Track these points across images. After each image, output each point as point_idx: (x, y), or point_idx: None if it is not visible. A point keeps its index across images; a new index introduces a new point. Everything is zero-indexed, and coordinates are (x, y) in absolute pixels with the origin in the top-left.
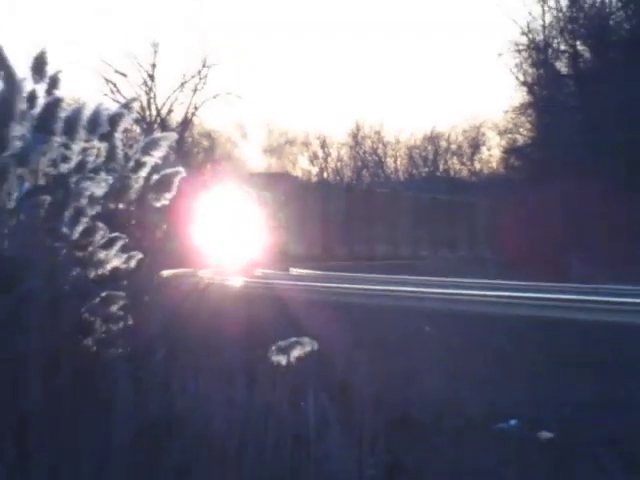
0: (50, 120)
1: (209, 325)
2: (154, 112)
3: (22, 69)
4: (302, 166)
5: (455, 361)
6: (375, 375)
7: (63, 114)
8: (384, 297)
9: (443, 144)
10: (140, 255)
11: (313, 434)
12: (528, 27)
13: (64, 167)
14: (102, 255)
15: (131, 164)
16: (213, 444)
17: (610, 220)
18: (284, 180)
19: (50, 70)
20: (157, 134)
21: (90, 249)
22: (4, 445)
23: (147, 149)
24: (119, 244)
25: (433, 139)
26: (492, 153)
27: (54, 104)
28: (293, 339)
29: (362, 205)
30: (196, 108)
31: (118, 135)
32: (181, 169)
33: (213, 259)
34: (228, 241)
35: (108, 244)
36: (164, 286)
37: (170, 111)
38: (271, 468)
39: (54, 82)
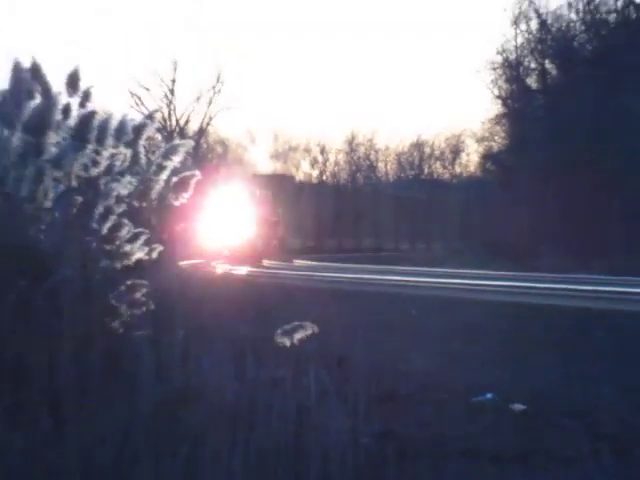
0: (85, 130)
1: (222, 309)
2: (174, 122)
3: (57, 84)
4: (304, 169)
5: (438, 341)
6: (368, 353)
7: (94, 124)
8: (376, 285)
9: (427, 150)
10: (161, 248)
11: (314, 405)
12: (502, 47)
13: (94, 171)
14: (127, 248)
15: (153, 167)
16: (225, 413)
17: (575, 216)
18: (282, 180)
19: (83, 85)
20: (176, 141)
21: (117, 243)
22: (41, 415)
23: (167, 154)
24: (142, 238)
25: (419, 146)
26: (470, 158)
27: (89, 116)
28: (296, 323)
29: (351, 203)
30: (210, 118)
31: (142, 142)
32: (197, 172)
33: (225, 251)
34: (238, 235)
35: (133, 238)
36: (182, 275)
37: (188, 121)
38: (277, 435)
39: (87, 96)
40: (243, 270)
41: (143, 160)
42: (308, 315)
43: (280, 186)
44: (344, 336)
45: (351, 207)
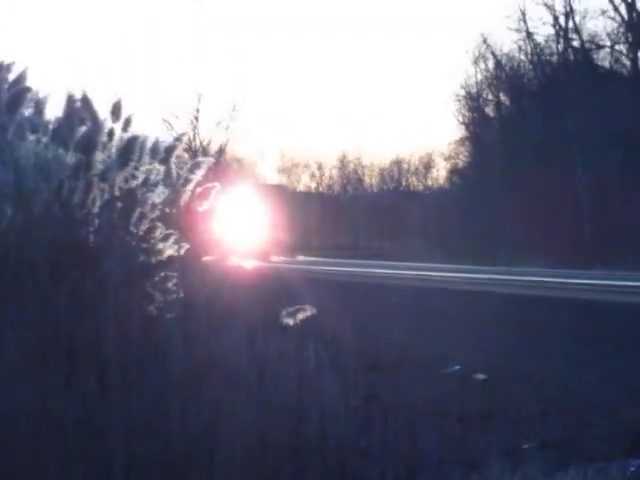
0: (128, 150)
1: (238, 295)
2: (198, 143)
3: (102, 110)
4: (304, 182)
5: (414, 322)
6: (357, 331)
7: (135, 145)
8: (363, 276)
9: (405, 166)
10: (188, 246)
11: (312, 373)
12: (465, 82)
13: (133, 183)
14: (160, 246)
15: (181, 180)
16: (240, 381)
17: (526, 219)
18: (279, 189)
19: (124, 112)
20: (199, 159)
21: (152, 242)
22: (90, 382)
23: (192, 169)
24: (173, 238)
25: (398, 163)
26: (440, 173)
27: (131, 140)
28: (298, 306)
29: (339, 209)
30: (228, 140)
31: (173, 160)
32: (217, 184)
33: (241, 248)
34: (251, 235)
35: (165, 238)
36: (206, 268)
37: (209, 142)
38: (283, 397)
39: (128, 122)
40: (256, 264)
41: (174, 174)
42: (309, 299)
43: (277, 194)
44: (337, 316)
45: (338, 213)
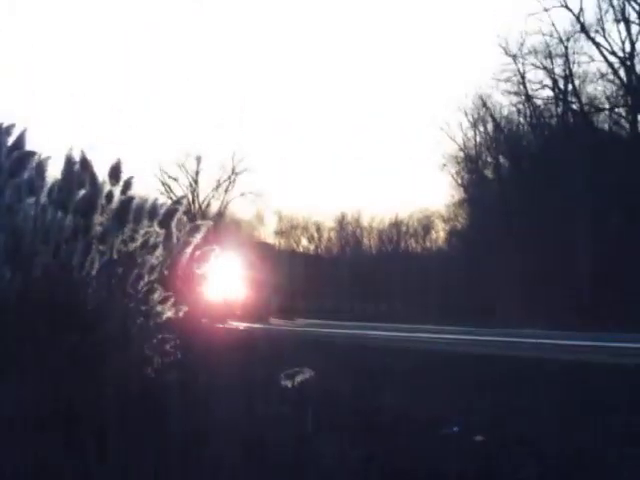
0: (124, 212)
1: (237, 357)
2: (197, 205)
3: (102, 174)
4: (303, 244)
5: (410, 383)
6: (355, 392)
7: (132, 207)
8: (361, 338)
9: (403, 228)
10: (186, 308)
11: (311, 434)
12: (464, 145)
13: (132, 245)
14: (159, 308)
15: (180, 243)
16: (240, 443)
17: (525, 281)
18: (265, 247)
19: (123, 175)
20: (198, 222)
21: (150, 304)
22: (89, 444)
23: (191, 232)
24: (171, 300)
25: (396, 225)
26: (439, 235)
27: (128, 201)
28: (297, 368)
29: (335, 271)
30: (227, 203)
31: (174, 223)
32: (215, 247)
33: (239, 310)
34: (249, 297)
35: (163, 300)
36: (204, 330)
37: (208, 205)
38: (281, 457)
39: (127, 185)
40: (255, 326)
41: (174, 237)
42: (307, 362)
43: (263, 252)
44: (336, 378)
45: (336, 275)
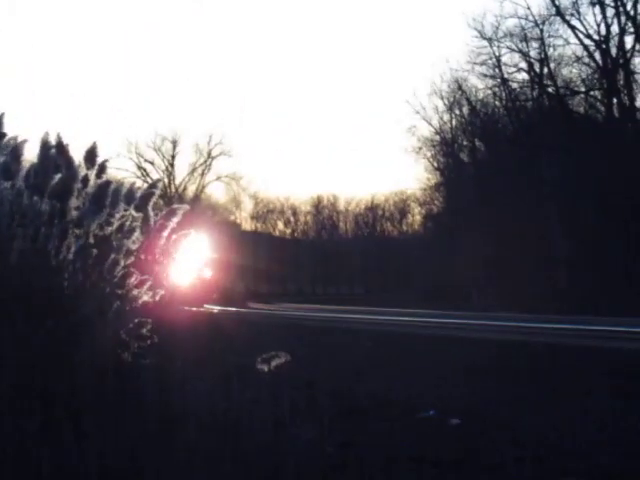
0: (101, 197)
1: (214, 340)
2: (173, 189)
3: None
4: (279, 228)
5: (389, 367)
6: (332, 376)
7: (109, 191)
8: (339, 322)
9: (380, 212)
10: (162, 292)
11: (288, 420)
12: (440, 128)
13: (108, 229)
14: (135, 292)
15: (156, 226)
16: (216, 428)
17: (500, 264)
18: (241, 231)
19: (99, 159)
20: (175, 206)
21: (126, 288)
22: (65, 428)
23: (168, 216)
24: (147, 284)
25: (373, 209)
26: (415, 219)
27: (105, 185)
28: (273, 352)
29: (312, 255)
30: (203, 187)
31: (149, 207)
32: (192, 231)
33: (216, 294)
34: (226, 281)
35: (139, 284)
36: (181, 314)
37: (185, 189)
38: (258, 440)
39: (103, 169)
40: (231, 309)
41: (151, 221)
42: (283, 345)
43: (239, 235)
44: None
45: (313, 258)
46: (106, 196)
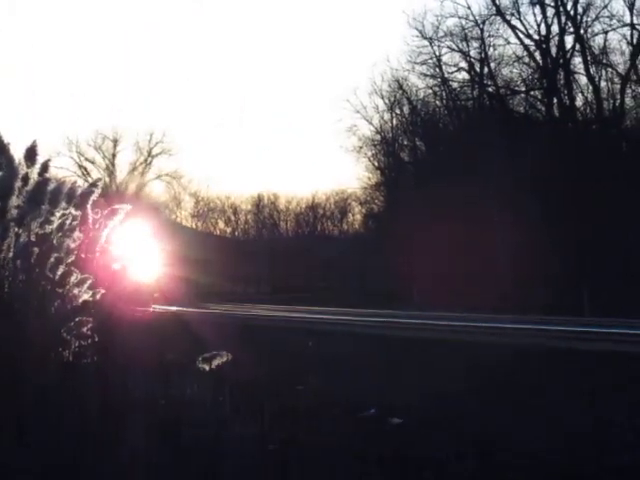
0: (40, 194)
1: (155, 340)
2: (114, 188)
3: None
4: (220, 227)
5: (330, 366)
6: (274, 375)
7: (48, 189)
8: (275, 321)
9: (320, 211)
10: (103, 291)
11: (229, 418)
12: (381, 128)
13: (48, 228)
14: (76, 291)
15: (97, 225)
16: (157, 426)
17: (440, 266)
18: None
19: (40, 158)
20: (115, 205)
21: (67, 287)
22: (8, 429)
23: (108, 215)
24: (88, 283)
25: (313, 208)
26: (355, 218)
27: (43, 183)
28: (214, 352)
29: (253, 253)
30: (144, 186)
31: (89, 205)
32: (132, 229)
33: (157, 294)
34: (166, 280)
35: (80, 283)
36: (121, 313)
37: (126, 188)
38: (199, 438)
39: (45, 168)
40: (172, 309)
41: (91, 220)
42: (224, 345)
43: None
44: (253, 361)
45: (253, 257)
46: (45, 194)
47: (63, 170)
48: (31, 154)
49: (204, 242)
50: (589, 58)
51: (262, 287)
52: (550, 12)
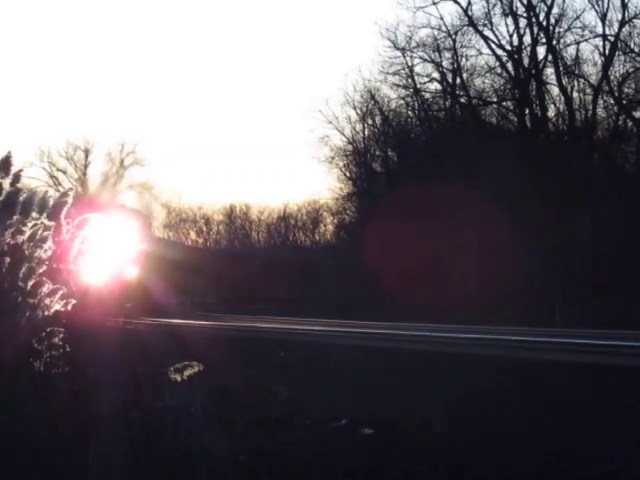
0: (11, 204)
1: (126, 350)
2: (86, 198)
3: None
4: (192, 237)
5: (301, 377)
6: (245, 386)
7: (20, 199)
8: (250, 331)
9: (292, 221)
10: (74, 301)
11: (200, 429)
12: (353, 138)
13: (20, 238)
14: (47, 301)
15: (69, 235)
16: (128, 437)
17: (410, 277)
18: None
19: (14, 169)
20: (87, 215)
21: (39, 297)
22: None
23: (80, 225)
24: (60, 293)
25: (285, 218)
26: (327, 228)
27: (15, 193)
28: (186, 362)
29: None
30: (116, 196)
31: (62, 215)
32: (104, 239)
33: (128, 304)
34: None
35: (52, 293)
36: (93, 323)
37: (97, 198)
38: (170, 449)
39: (17, 178)
40: (143, 321)
41: (64, 230)
42: (195, 356)
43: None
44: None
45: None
46: (17, 204)
47: (35, 180)
48: (6, 165)
49: (173, 252)
50: (561, 69)
51: (208, 298)
52: (522, 23)
